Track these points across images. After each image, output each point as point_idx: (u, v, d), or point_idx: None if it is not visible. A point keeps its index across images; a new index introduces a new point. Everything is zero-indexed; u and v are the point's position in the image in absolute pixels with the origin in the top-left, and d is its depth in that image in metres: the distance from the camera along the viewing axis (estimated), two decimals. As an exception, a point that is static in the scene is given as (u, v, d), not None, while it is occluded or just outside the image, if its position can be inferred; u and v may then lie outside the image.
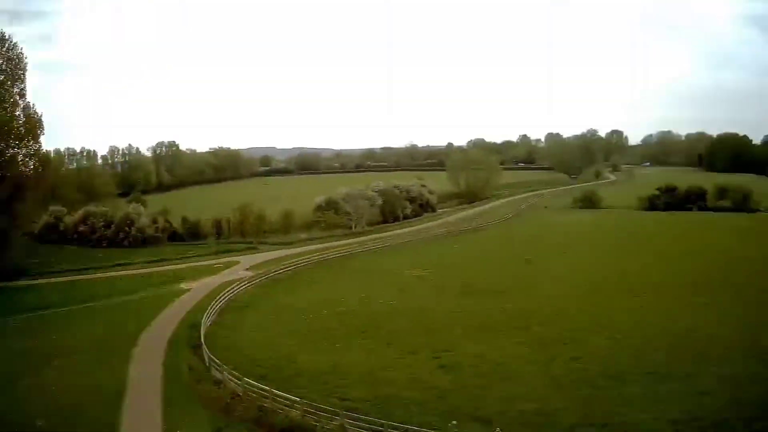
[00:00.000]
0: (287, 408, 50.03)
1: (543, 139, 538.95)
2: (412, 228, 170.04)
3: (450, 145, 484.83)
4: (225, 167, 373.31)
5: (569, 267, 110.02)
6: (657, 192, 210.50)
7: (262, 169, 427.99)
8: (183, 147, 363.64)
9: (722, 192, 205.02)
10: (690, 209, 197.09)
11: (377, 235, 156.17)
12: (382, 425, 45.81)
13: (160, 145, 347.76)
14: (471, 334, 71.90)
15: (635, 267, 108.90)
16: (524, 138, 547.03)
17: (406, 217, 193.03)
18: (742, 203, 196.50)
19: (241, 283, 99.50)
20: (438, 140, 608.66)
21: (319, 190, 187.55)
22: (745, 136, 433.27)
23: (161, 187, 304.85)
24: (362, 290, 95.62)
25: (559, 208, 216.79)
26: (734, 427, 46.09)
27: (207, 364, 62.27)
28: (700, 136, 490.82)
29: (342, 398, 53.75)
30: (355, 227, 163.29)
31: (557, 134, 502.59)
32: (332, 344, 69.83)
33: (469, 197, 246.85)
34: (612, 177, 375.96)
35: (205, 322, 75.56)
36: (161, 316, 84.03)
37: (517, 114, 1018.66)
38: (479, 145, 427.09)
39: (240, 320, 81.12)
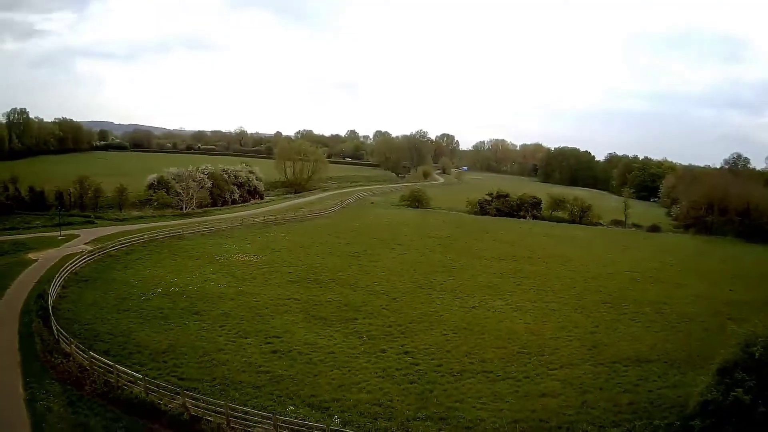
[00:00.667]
0: (131, 384, 51.27)
1: (371, 137, 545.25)
2: (240, 213, 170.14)
3: (278, 133, 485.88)
4: (67, 139, 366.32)
5: (396, 261, 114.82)
6: (487, 197, 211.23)
7: (100, 143, 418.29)
8: (32, 115, 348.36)
9: (558, 203, 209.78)
10: (523, 217, 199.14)
11: (206, 218, 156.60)
12: (221, 406, 47.40)
13: (12, 111, 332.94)
14: (300, 322, 75.72)
15: (464, 265, 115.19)
16: (353, 133, 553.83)
17: (234, 202, 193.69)
18: (580, 215, 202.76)
19: (81, 256, 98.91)
20: (267, 128, 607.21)
21: (151, 168, 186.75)
22: (587, 152, 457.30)
23: (12, 154, 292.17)
24: (193, 272, 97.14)
25: (386, 204, 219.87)
26: (587, 431, 50.67)
27: (56, 336, 63.13)
28: (537, 147, 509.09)
29: (180, 377, 56.58)
30: (186, 208, 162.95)
31: (386, 132, 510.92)
32: (167, 323, 72.15)
33: (295, 187, 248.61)
34: (441, 179, 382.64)
35: (52, 293, 76.17)
36: (13, 285, 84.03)
37: (346, 111, 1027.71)
38: (307, 137, 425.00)
39: (81, 294, 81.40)
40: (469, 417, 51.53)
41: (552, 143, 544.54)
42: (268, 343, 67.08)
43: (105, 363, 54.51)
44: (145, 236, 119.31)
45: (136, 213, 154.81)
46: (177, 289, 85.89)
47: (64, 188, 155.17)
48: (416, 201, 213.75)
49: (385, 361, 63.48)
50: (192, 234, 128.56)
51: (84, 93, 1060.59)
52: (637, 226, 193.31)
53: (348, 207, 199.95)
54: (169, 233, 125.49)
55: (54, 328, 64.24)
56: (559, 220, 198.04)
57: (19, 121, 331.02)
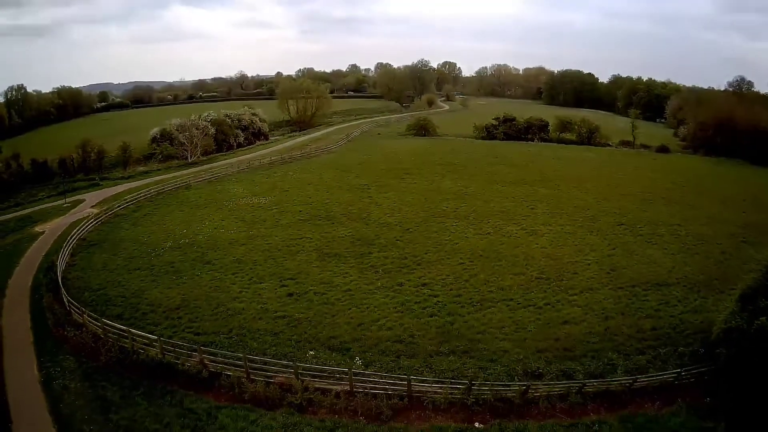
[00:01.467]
0: (147, 347, 50.39)
1: (373, 69, 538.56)
2: (246, 156, 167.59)
3: (279, 74, 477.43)
4: (67, 106, 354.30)
5: (407, 191, 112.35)
6: (494, 121, 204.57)
7: (101, 104, 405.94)
8: (31, 89, 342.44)
9: (565, 125, 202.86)
10: (531, 140, 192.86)
11: (212, 164, 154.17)
12: (240, 359, 46.20)
13: (10, 89, 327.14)
14: (314, 261, 74.44)
15: (479, 190, 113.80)
16: (354, 68, 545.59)
17: (239, 146, 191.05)
18: (588, 137, 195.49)
19: (87, 221, 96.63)
20: (268, 70, 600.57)
21: (155, 123, 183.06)
22: (590, 74, 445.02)
23: (12, 130, 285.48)
24: (203, 221, 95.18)
25: (392, 135, 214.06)
26: (612, 359, 49.94)
27: (67, 308, 61.48)
28: (540, 71, 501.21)
29: (197, 332, 55.50)
30: (191, 158, 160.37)
31: (387, 64, 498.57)
32: (179, 277, 70.59)
33: (300, 125, 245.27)
34: (446, 106, 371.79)
35: (60, 264, 74.03)
36: (22, 262, 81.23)
37: (346, 47, 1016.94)
38: (309, 75, 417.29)
39: (90, 260, 78.56)
40: (493, 348, 50.85)
41: (555, 66, 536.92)
42: (283, 286, 66.00)
43: (118, 329, 53.23)
44: (152, 190, 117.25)
45: (141, 168, 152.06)
46: (187, 241, 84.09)
47: (66, 155, 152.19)
48: (422, 129, 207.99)
49: (403, 295, 62.55)
50: (199, 182, 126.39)
51: (81, 58, 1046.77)
52: (645, 146, 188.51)
53: (354, 140, 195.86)
54: (176, 184, 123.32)
55: (65, 299, 62.51)
56: (568, 142, 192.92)
57: (18, 97, 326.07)
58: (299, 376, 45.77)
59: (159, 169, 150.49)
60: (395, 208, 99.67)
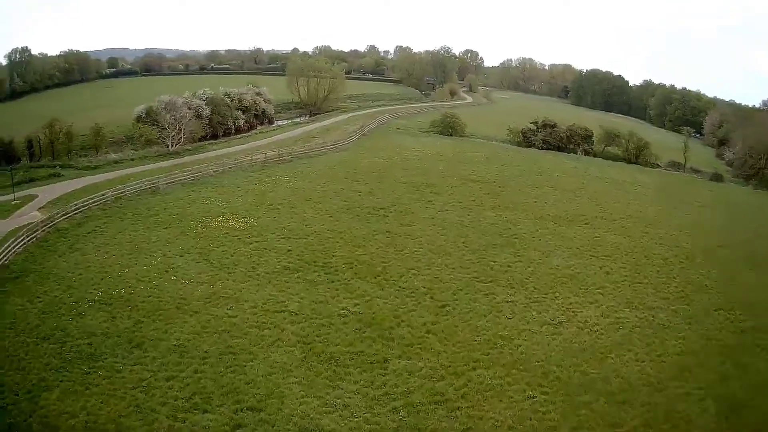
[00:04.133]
0: None
1: (393, 52, 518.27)
2: (241, 146, 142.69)
3: (295, 50, 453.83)
4: (73, 70, 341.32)
5: (437, 226, 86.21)
6: (532, 126, 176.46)
7: (109, 71, 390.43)
8: (35, 51, 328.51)
9: (612, 137, 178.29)
10: (573, 152, 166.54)
11: (196, 156, 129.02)
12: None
13: (14, 51, 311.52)
14: (295, 369, 50.03)
15: (530, 231, 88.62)
16: (372, 49, 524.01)
17: (239, 130, 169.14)
18: (636, 154, 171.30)
19: (18, 236, 72.00)
20: (285, 45, 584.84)
21: (157, 94, 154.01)
22: (620, 76, 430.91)
23: (13, 95, 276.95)
24: (154, 254, 70.23)
25: (413, 130, 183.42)
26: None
27: None
28: (566, 68, 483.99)
29: None
30: (172, 146, 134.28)
31: (407, 48, 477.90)
32: (92, 370, 47.42)
33: (310, 108, 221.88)
34: (468, 98, 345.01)
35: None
36: None
37: (366, 24, 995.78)
38: (325, 53, 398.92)
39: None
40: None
41: (580, 65, 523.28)
42: (238, 426, 40.97)
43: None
44: (109, 193, 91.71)
45: (113, 156, 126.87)
46: (123, 292, 59.15)
47: (34, 135, 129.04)
48: (449, 128, 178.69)
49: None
50: (170, 184, 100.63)
51: (95, 21, 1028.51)
52: (696, 170, 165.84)
53: (369, 135, 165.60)
54: (142, 185, 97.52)
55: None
56: (614, 158, 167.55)
57: (21, 60, 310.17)
58: None
59: (133, 159, 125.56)
60: (423, 256, 73.83)
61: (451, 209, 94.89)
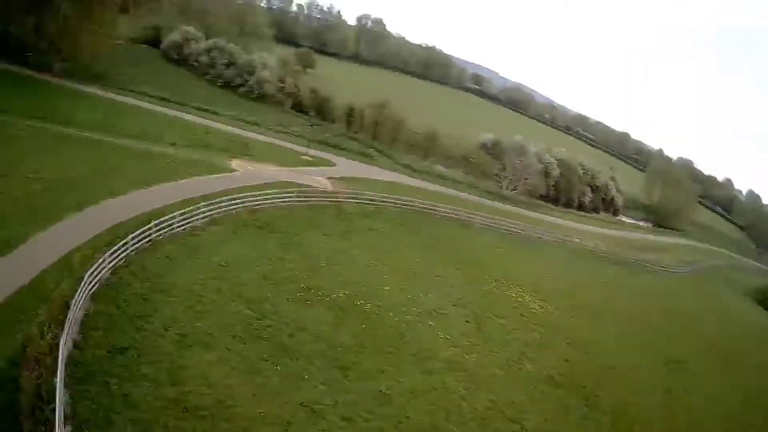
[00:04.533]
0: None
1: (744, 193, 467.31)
2: (579, 225, 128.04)
3: (660, 151, 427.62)
4: (433, 66, 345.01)
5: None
6: None
7: (473, 86, 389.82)
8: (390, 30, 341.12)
9: None
10: None
11: (529, 213, 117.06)
12: None
13: (365, 17, 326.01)
14: None
15: None
16: (729, 182, 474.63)
17: (581, 206, 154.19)
18: None
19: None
20: (651, 142, 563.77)
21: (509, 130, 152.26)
22: None
23: (357, 59, 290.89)
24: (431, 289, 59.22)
25: (739, 294, 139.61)
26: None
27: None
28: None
29: None
30: (506, 189, 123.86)
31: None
32: None
33: (657, 218, 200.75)
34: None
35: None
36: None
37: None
38: (686, 169, 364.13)
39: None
40: None
41: None
42: None
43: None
44: (417, 203, 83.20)
45: (442, 170, 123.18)
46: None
47: (359, 107, 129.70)
48: None
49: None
50: (482, 225, 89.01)
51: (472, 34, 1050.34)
52: None
53: (695, 276, 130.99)
54: (458, 213, 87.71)
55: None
56: None
57: (372, 29, 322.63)
58: None
59: (460, 182, 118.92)
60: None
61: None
